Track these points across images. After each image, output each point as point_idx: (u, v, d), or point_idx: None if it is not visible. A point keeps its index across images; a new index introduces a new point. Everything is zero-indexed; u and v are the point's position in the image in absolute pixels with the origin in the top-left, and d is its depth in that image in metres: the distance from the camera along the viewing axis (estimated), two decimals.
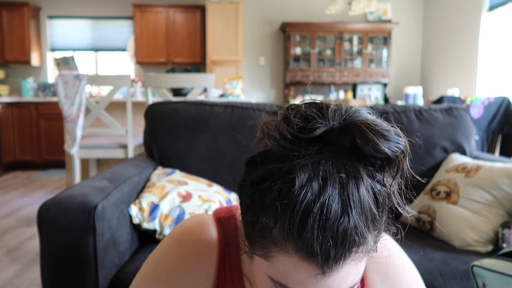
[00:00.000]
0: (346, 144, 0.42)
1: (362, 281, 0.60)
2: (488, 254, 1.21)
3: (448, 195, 1.40)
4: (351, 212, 0.39)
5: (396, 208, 0.44)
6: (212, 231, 0.59)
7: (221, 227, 0.60)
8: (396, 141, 0.41)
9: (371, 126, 0.41)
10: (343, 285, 0.42)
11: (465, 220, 1.30)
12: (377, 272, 0.60)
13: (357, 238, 0.39)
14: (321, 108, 0.43)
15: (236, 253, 0.59)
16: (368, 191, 0.41)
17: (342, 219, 0.38)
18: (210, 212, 0.90)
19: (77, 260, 1.03)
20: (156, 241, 1.24)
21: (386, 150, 0.40)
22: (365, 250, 0.42)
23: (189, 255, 0.57)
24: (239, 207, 0.60)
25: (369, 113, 0.44)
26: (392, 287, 0.60)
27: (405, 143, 0.42)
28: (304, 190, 0.38)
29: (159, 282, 0.57)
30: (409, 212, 0.45)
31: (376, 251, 0.45)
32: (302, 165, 0.40)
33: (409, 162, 0.43)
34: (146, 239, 1.30)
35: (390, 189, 0.43)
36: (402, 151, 0.42)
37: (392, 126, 0.43)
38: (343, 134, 0.42)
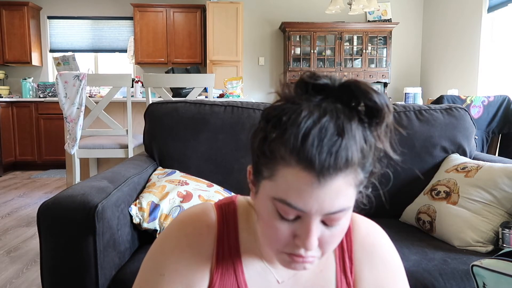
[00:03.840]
0: (344, 97, 0.51)
1: (351, 261, 0.66)
2: (488, 254, 1.21)
3: (448, 195, 1.40)
4: (344, 136, 0.48)
5: (383, 157, 0.54)
6: (212, 215, 0.66)
7: (220, 211, 0.67)
8: (383, 96, 0.51)
9: (366, 83, 0.52)
10: (334, 204, 0.50)
11: (465, 220, 1.30)
12: (364, 257, 0.66)
13: (348, 157, 0.48)
14: (327, 74, 0.54)
15: (235, 234, 0.65)
16: (358, 128, 0.50)
17: (336, 139, 0.48)
18: None
19: (77, 260, 1.03)
20: None
21: (376, 99, 0.50)
22: (354, 176, 0.50)
23: (190, 233, 0.64)
24: (237, 196, 0.70)
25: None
26: (379, 271, 0.66)
27: (389, 102, 0.53)
28: (308, 117, 0.49)
29: (163, 255, 0.63)
30: (393, 152, 0.53)
31: (365, 185, 0.54)
32: (307, 104, 0.51)
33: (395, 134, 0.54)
34: (146, 239, 1.30)
35: (377, 135, 0.52)
36: (387, 105, 0.51)
37: None
38: (342, 88, 0.52)
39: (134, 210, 1.25)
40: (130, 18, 5.66)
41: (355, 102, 0.51)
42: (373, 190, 0.57)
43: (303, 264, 0.54)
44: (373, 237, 0.68)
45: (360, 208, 0.57)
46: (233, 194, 1.49)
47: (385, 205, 1.56)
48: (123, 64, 5.85)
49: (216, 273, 0.63)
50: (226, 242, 0.65)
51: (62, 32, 5.74)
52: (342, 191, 0.50)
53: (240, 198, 0.70)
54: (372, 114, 0.51)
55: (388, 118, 0.52)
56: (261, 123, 0.54)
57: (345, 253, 0.66)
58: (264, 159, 0.52)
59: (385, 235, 0.70)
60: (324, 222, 0.52)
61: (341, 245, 0.67)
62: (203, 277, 0.63)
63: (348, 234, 0.67)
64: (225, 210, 0.67)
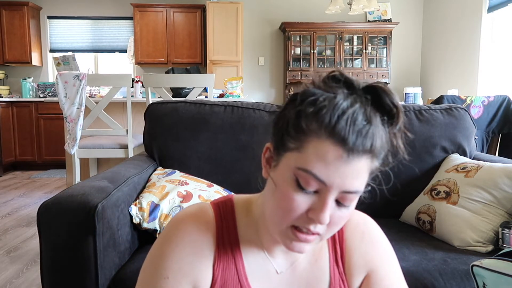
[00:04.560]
0: (368, 95, 0.56)
1: (342, 251, 0.69)
2: (488, 254, 1.21)
3: (448, 195, 1.40)
4: (371, 124, 0.54)
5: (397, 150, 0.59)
6: (209, 212, 0.68)
7: (217, 209, 0.69)
8: (399, 101, 0.58)
9: (388, 88, 0.58)
10: (354, 183, 0.54)
11: (465, 220, 1.30)
12: (355, 244, 0.70)
13: (373, 143, 0.53)
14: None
15: (234, 229, 0.68)
16: (380, 123, 0.55)
17: (365, 124, 0.53)
18: None
19: (77, 260, 1.03)
20: None
21: (397, 103, 0.57)
22: (371, 163, 0.55)
23: (190, 231, 0.65)
24: (234, 195, 0.72)
25: None
26: (367, 252, 0.69)
27: None
28: (343, 101, 0.54)
29: (164, 257, 0.64)
30: (403, 151, 0.59)
31: (376, 170, 0.58)
32: (341, 92, 0.56)
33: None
34: (146, 239, 1.30)
35: (393, 134, 0.58)
36: (402, 110, 0.58)
37: None
38: (368, 88, 0.57)
39: (134, 210, 1.25)
40: (130, 18, 5.66)
41: (378, 101, 0.56)
42: (376, 187, 0.61)
43: (304, 244, 0.58)
44: (363, 225, 0.72)
45: (361, 202, 0.60)
46: (232, 194, 1.49)
47: (386, 203, 1.56)
48: (123, 64, 5.85)
49: (218, 268, 0.65)
50: (226, 237, 0.66)
51: (62, 32, 5.74)
52: (362, 173, 0.54)
53: (237, 196, 0.72)
54: (390, 114, 0.57)
55: (402, 121, 0.57)
56: (293, 102, 0.58)
57: (336, 243, 0.70)
58: (294, 132, 0.56)
59: (375, 225, 0.73)
60: (337, 201, 0.56)
61: (333, 237, 0.70)
62: (207, 273, 0.64)
63: None
64: (222, 207, 0.69)
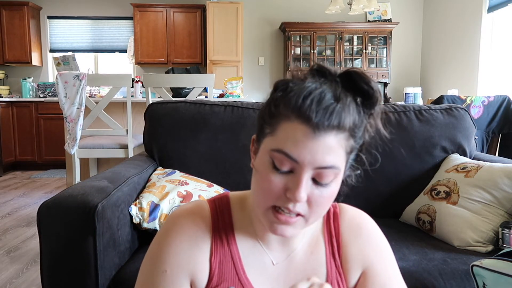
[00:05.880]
0: (343, 80, 0.59)
1: (338, 244, 0.70)
2: (488, 254, 1.21)
3: (448, 195, 1.40)
4: (339, 102, 0.56)
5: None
6: (206, 208, 0.70)
7: (213, 205, 0.71)
8: (376, 84, 0.60)
9: (363, 71, 0.60)
10: (325, 158, 0.56)
11: (465, 220, 1.30)
12: (351, 238, 0.71)
13: (341, 120, 0.55)
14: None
15: (230, 223, 0.70)
16: (352, 103, 0.58)
17: (332, 102, 0.56)
18: None
19: (77, 260, 1.03)
20: None
21: (373, 85, 0.59)
22: (345, 141, 0.57)
23: (186, 227, 0.67)
24: (230, 192, 0.77)
25: None
26: (365, 248, 0.70)
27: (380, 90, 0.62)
28: (311, 84, 0.57)
29: (162, 252, 0.66)
30: (386, 133, 0.61)
31: (353, 154, 0.60)
32: (312, 78, 0.60)
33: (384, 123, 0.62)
34: (146, 239, 1.30)
35: (371, 114, 0.60)
36: (379, 91, 0.60)
37: None
38: (343, 74, 0.60)
39: (134, 210, 1.25)
40: (130, 18, 5.66)
41: (353, 84, 0.59)
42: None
43: (285, 226, 0.59)
44: (359, 219, 0.73)
45: (351, 187, 0.63)
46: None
47: (386, 203, 1.56)
48: (123, 64, 5.85)
49: (215, 260, 0.67)
50: (222, 231, 0.69)
51: (62, 32, 5.74)
52: (334, 149, 0.56)
53: (233, 193, 0.74)
54: (367, 96, 0.59)
55: (380, 103, 0.60)
56: (270, 95, 0.62)
57: (333, 237, 0.71)
58: (268, 118, 0.60)
59: (371, 220, 0.74)
60: (314, 180, 0.57)
61: (329, 230, 0.71)
62: (204, 265, 0.66)
63: (336, 220, 0.72)
64: (218, 203, 0.71)
